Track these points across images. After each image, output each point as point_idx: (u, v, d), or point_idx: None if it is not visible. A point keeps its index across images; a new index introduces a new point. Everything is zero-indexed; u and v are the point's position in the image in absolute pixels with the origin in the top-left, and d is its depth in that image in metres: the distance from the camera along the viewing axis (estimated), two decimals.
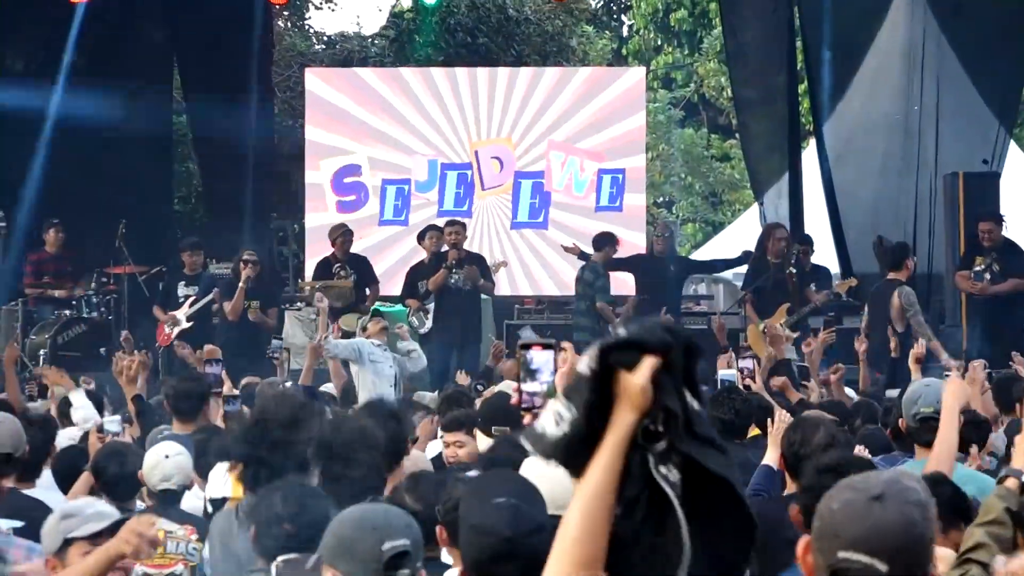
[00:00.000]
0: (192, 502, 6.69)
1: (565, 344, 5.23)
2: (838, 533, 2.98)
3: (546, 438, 2.97)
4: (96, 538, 4.75)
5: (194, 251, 16.55)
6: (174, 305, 16.14)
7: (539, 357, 4.19)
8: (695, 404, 2.99)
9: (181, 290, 16.29)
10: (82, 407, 9.32)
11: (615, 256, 16.57)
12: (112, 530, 4.69)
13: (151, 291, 17.02)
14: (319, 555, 4.10)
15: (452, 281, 15.68)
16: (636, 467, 2.96)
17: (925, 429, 6.21)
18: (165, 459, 6.42)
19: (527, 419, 4.24)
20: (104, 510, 4.91)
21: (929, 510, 3.01)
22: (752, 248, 16.99)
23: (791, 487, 5.95)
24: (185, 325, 15.85)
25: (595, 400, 2.95)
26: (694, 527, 2.94)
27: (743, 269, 17.41)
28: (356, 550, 3.95)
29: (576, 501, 2.99)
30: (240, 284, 15.58)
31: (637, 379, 2.92)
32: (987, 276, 15.11)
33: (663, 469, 2.94)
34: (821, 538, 3.02)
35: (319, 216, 19.53)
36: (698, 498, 2.94)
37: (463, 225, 16.37)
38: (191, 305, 16.04)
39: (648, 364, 2.93)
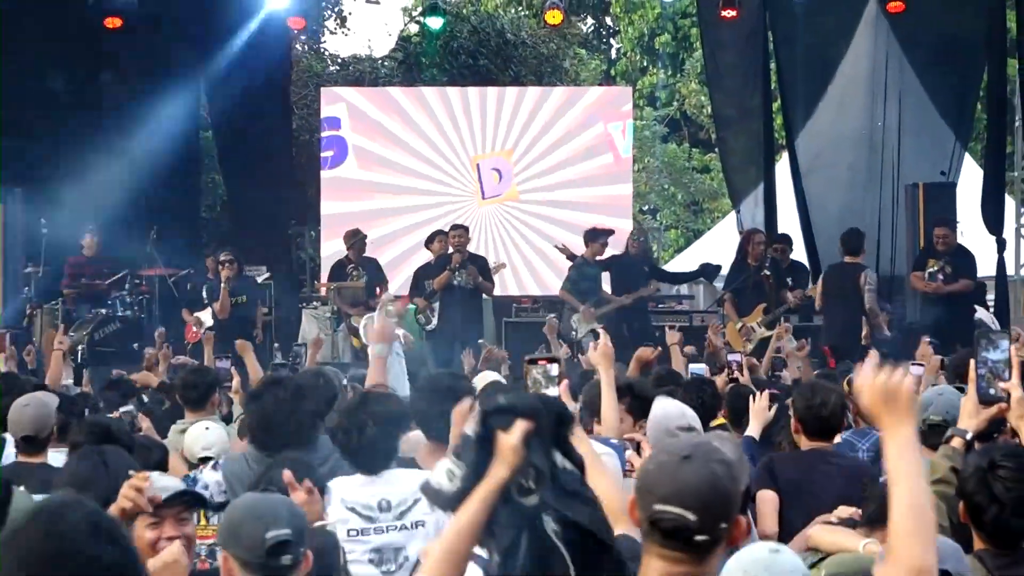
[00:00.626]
0: None
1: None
2: (652, 489, 3.12)
3: (442, 494, 3.28)
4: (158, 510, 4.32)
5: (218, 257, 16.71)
6: (200, 306, 16.31)
7: (552, 368, 4.17)
8: (567, 464, 3.25)
9: (205, 292, 16.44)
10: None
11: (599, 257, 16.27)
12: (171, 502, 4.32)
13: (179, 291, 17.13)
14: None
15: (456, 281, 15.75)
16: (506, 518, 3.20)
17: (932, 434, 5.86)
18: (206, 430, 6.64)
19: None
20: (167, 483, 4.43)
21: (734, 468, 3.13)
22: (713, 261, 17.20)
23: (805, 443, 6.32)
24: (209, 323, 15.99)
25: (481, 458, 3.23)
26: (577, 559, 3.16)
27: (723, 271, 17.47)
28: (242, 536, 3.96)
29: (442, 539, 3.30)
30: (222, 284, 15.50)
31: (509, 439, 3.20)
32: (940, 277, 15.26)
33: (544, 519, 3.17)
34: (640, 494, 3.16)
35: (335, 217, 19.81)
36: (575, 545, 3.17)
37: (466, 229, 16.35)
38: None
39: (519, 427, 3.20)
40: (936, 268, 15.24)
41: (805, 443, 6.34)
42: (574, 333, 15.28)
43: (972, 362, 4.62)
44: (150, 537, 4.29)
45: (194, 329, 15.98)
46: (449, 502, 3.27)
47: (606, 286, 16.38)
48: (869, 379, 3.24)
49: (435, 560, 3.29)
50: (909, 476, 3.13)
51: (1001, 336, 4.68)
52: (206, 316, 16.04)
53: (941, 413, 5.92)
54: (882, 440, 3.23)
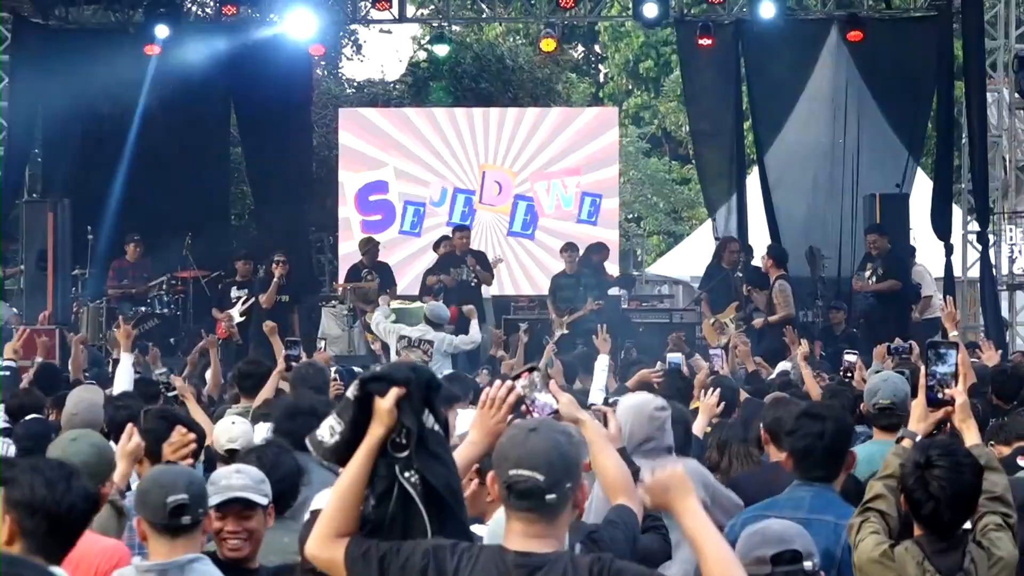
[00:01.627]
0: None
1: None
2: (506, 456, 3.31)
3: (324, 444, 3.46)
4: (221, 508, 4.57)
5: (245, 261, 16.72)
6: (228, 305, 16.31)
7: (535, 376, 4.24)
8: (436, 426, 3.44)
9: (234, 292, 16.43)
10: (124, 372, 8.84)
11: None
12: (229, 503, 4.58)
13: (211, 291, 17.13)
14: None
15: (464, 277, 15.79)
16: (383, 470, 3.39)
17: (882, 416, 6.08)
18: (232, 424, 6.52)
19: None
20: (232, 483, 4.64)
21: (573, 438, 3.39)
22: (692, 263, 17.20)
23: (775, 455, 5.91)
24: (239, 320, 16.00)
25: (357, 417, 3.41)
26: (432, 513, 3.37)
27: (699, 272, 17.43)
28: (148, 501, 4.24)
29: (334, 491, 3.47)
30: (275, 279, 15.69)
31: (384, 403, 3.37)
32: (872, 279, 15.48)
33: (407, 474, 3.37)
34: (497, 463, 3.36)
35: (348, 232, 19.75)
36: (432, 501, 3.38)
37: (468, 230, 16.51)
38: (242, 304, 16.20)
39: (393, 393, 3.38)
40: (870, 271, 15.42)
41: (775, 454, 5.99)
42: (549, 336, 15.30)
43: (922, 371, 4.64)
44: (217, 527, 4.58)
45: (224, 326, 15.94)
46: (328, 452, 3.45)
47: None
48: (647, 486, 3.47)
49: (331, 510, 3.44)
50: (710, 534, 3.34)
51: (949, 348, 4.67)
52: (235, 312, 16.05)
53: (889, 397, 6.03)
54: (677, 517, 3.43)
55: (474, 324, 12.87)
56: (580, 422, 4.13)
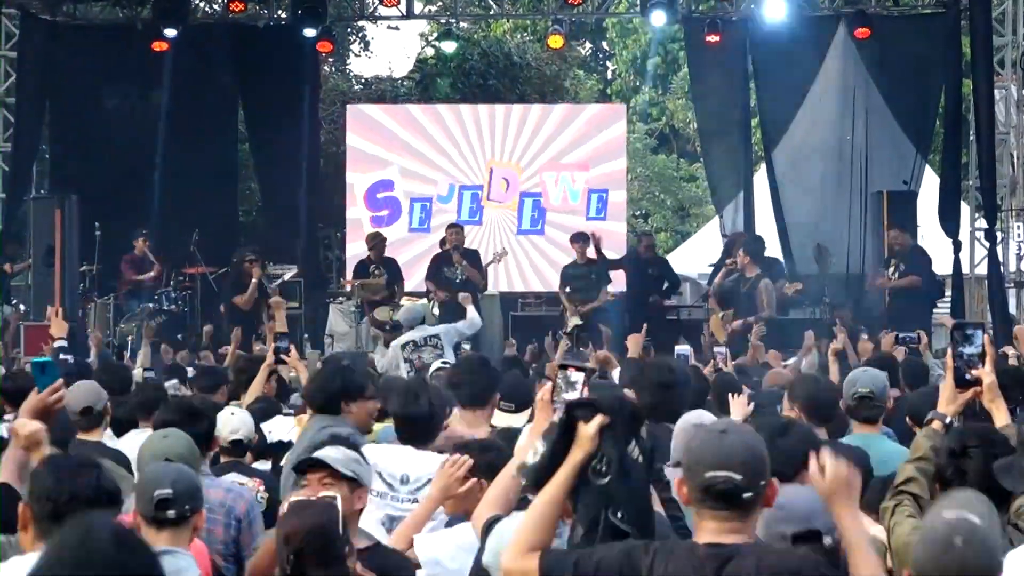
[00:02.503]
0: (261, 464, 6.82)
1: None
2: (700, 459, 3.38)
3: (526, 466, 3.59)
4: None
5: (252, 262, 16.56)
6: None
7: (572, 375, 4.30)
8: (640, 457, 3.57)
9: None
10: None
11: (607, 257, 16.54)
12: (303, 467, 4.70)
13: (219, 287, 17.04)
14: None
15: (456, 279, 15.69)
16: (587, 498, 3.51)
17: (862, 407, 6.15)
18: (231, 415, 6.54)
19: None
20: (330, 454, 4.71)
21: (759, 437, 3.48)
22: (699, 260, 17.17)
23: None
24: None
25: (559, 441, 3.53)
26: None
27: (706, 269, 17.45)
28: (139, 495, 4.47)
29: (531, 511, 3.59)
30: (253, 280, 15.53)
31: (588, 429, 3.50)
32: (896, 276, 15.50)
33: (619, 515, 3.48)
34: (689, 469, 3.41)
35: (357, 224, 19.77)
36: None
37: (460, 228, 16.41)
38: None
39: (597, 420, 3.50)
40: (893, 268, 15.41)
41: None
42: (565, 327, 15.27)
43: (949, 353, 4.63)
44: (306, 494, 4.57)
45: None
46: (530, 473, 3.60)
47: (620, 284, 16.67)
48: (827, 469, 3.61)
49: (527, 525, 3.58)
50: (863, 547, 3.56)
51: (975, 329, 4.67)
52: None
53: (868, 386, 6.19)
54: (838, 518, 3.62)
55: (471, 309, 12.74)
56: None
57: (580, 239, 16.35)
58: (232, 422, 6.44)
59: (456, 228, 16.27)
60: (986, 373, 4.57)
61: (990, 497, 4.08)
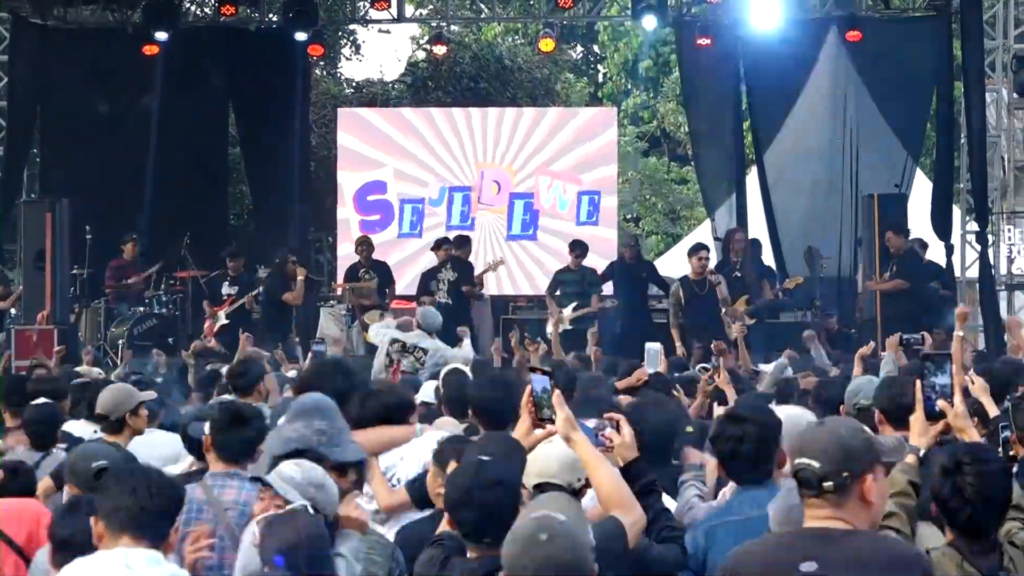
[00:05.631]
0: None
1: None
2: (791, 449, 3.66)
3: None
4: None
5: (233, 258, 16.67)
6: (220, 301, 16.29)
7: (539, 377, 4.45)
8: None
9: (225, 288, 16.37)
10: None
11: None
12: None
13: (210, 291, 17.03)
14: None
15: (440, 287, 15.65)
16: None
17: (862, 418, 5.89)
18: None
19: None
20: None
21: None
22: None
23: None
24: (224, 321, 15.93)
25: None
26: None
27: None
28: (77, 471, 5.12)
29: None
30: (300, 279, 15.96)
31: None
32: (887, 278, 15.38)
33: None
34: (790, 455, 3.69)
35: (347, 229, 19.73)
36: None
37: (451, 244, 16.26)
38: (230, 305, 16.16)
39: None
40: (888, 270, 15.42)
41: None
42: (549, 333, 15.21)
43: (919, 384, 4.55)
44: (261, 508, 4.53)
45: (208, 322, 16.02)
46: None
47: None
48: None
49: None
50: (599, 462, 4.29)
51: (944, 360, 4.61)
52: (221, 313, 16.07)
53: (870, 397, 6.15)
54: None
55: (466, 342, 12.71)
56: (572, 442, 4.31)
57: (578, 247, 16.35)
58: None
59: (444, 244, 16.26)
60: (957, 403, 4.53)
61: (988, 510, 4.14)
